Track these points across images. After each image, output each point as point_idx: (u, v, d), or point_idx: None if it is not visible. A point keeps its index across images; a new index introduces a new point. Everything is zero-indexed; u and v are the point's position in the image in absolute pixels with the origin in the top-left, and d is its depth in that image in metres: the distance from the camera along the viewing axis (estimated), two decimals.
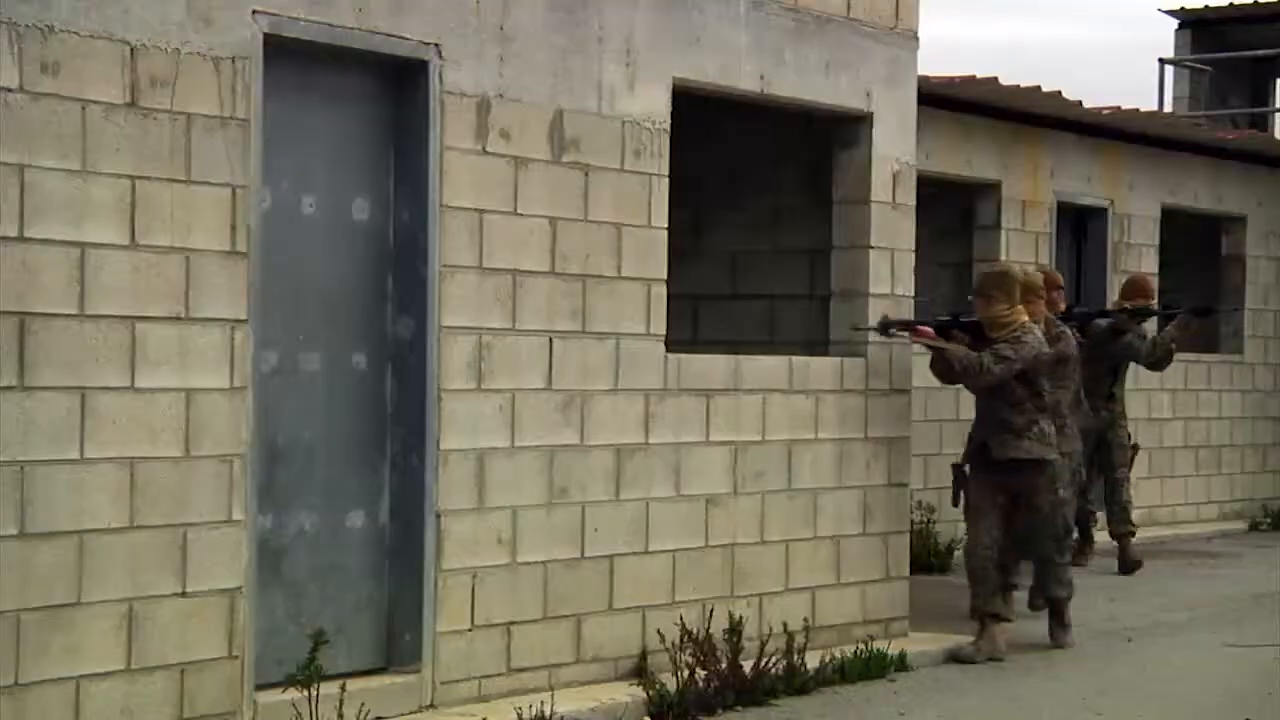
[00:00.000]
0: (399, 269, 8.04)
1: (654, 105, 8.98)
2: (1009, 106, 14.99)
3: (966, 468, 10.47)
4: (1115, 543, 14.18)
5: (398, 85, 8.01)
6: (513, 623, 8.32)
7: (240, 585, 7.21)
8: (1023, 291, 10.57)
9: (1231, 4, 23.40)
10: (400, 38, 7.82)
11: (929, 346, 10.47)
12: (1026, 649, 10.43)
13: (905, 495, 10.56)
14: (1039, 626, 10.67)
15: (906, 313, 10.42)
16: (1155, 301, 14.22)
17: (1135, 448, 14.47)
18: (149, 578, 6.92)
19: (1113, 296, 16.41)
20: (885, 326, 10.15)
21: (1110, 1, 61.15)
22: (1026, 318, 10.38)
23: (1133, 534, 14.18)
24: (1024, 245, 15.46)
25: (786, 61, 9.68)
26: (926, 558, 13.55)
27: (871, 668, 9.47)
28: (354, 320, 7.95)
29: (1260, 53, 23.12)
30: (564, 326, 8.54)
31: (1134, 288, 14.32)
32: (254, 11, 7.23)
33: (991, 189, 15.24)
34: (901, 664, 9.65)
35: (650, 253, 8.94)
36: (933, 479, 14.52)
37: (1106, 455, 14.04)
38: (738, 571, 9.42)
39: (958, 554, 14.12)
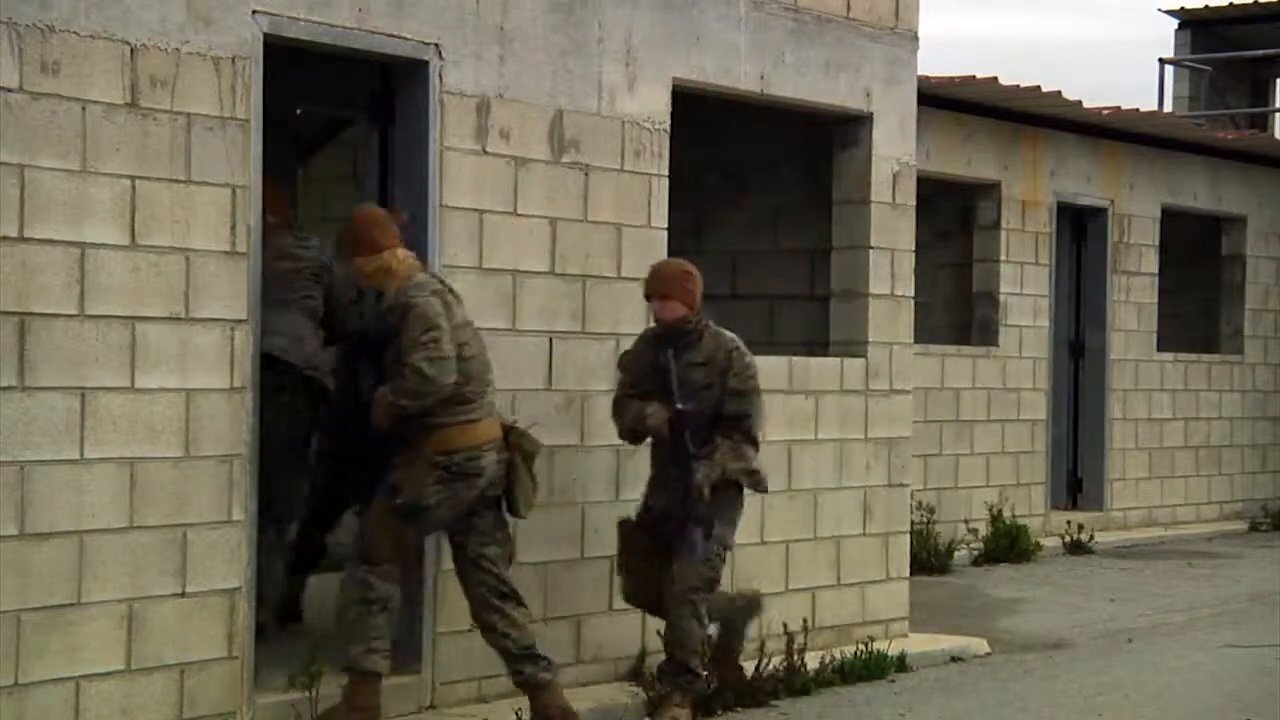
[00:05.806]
0: None
1: (654, 105, 8.98)
2: (1009, 106, 15.00)
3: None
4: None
5: (398, 85, 8.01)
6: None
7: (240, 585, 7.20)
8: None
9: (1231, 4, 23.41)
10: (400, 38, 7.81)
11: None
12: (1026, 649, 10.43)
13: (905, 495, 10.55)
14: (1036, 626, 10.63)
15: (907, 314, 10.41)
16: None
17: None
18: (149, 578, 6.91)
19: (1113, 297, 16.45)
20: None
21: (1110, 1, 61.16)
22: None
23: None
24: (1024, 245, 15.47)
25: (786, 62, 9.68)
26: (926, 558, 13.56)
27: (871, 668, 9.46)
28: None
29: (1260, 53, 23.13)
30: (564, 327, 8.54)
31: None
32: (254, 11, 7.22)
33: (991, 189, 15.25)
34: (901, 664, 9.64)
35: (650, 253, 8.92)
36: (932, 479, 14.53)
37: None
38: (738, 572, 9.40)
39: (958, 554, 14.17)
